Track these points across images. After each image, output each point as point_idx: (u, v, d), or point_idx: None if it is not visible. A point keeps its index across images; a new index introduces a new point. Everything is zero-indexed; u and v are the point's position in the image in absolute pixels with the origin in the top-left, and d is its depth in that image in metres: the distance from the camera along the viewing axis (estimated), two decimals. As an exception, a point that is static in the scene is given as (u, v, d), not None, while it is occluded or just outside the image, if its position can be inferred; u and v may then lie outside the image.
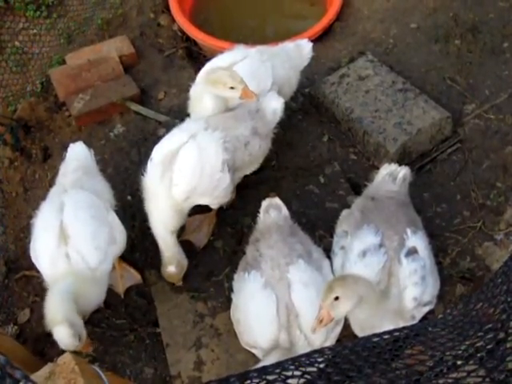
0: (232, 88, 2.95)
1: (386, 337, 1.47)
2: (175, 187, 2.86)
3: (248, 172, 3.24)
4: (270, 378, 1.13)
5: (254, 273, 2.74)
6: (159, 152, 2.94)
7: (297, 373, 1.15)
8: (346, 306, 2.39)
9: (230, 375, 1.13)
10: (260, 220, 3.00)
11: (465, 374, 1.48)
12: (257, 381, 1.11)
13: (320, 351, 1.33)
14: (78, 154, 3.12)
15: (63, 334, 2.42)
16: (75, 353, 3.09)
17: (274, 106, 3.19)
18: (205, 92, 3.08)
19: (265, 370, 1.17)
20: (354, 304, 2.39)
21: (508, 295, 1.62)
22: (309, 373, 1.16)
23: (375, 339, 1.45)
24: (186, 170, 2.86)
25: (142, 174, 2.97)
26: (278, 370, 1.14)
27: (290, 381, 1.15)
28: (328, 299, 2.36)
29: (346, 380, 1.18)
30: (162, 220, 2.95)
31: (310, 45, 3.61)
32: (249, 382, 1.12)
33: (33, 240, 2.77)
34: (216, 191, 2.97)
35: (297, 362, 1.21)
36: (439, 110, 3.65)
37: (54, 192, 2.93)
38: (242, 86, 2.94)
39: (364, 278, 2.50)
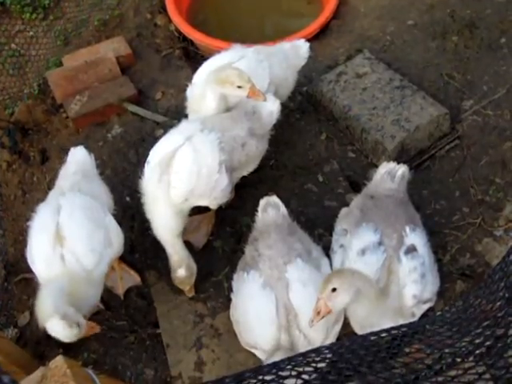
0: (239, 87, 2.95)
1: (383, 335, 1.46)
2: (173, 190, 2.85)
3: (245, 173, 3.23)
4: (267, 378, 1.13)
5: (252, 273, 2.74)
6: (156, 155, 2.92)
7: (293, 373, 1.15)
8: (343, 298, 2.38)
9: (225, 376, 1.13)
10: (258, 219, 3.00)
11: (464, 371, 1.47)
12: (253, 381, 1.11)
13: (317, 350, 1.32)
14: (78, 159, 3.13)
15: (58, 327, 2.39)
16: (74, 357, 3.10)
17: (270, 108, 3.17)
18: (209, 91, 3.07)
19: (260, 371, 1.16)
20: (352, 297, 2.39)
21: (506, 291, 1.62)
22: (305, 373, 1.16)
23: (373, 338, 1.45)
24: (182, 173, 2.85)
25: (140, 177, 2.96)
26: (274, 371, 1.13)
27: (286, 381, 1.15)
28: (325, 290, 2.36)
29: (342, 379, 1.18)
30: (166, 224, 2.92)
31: (307, 45, 3.60)
32: (245, 383, 1.12)
33: (29, 242, 2.76)
34: (214, 192, 2.97)
35: (293, 361, 1.20)
36: (437, 107, 3.64)
37: (51, 195, 2.94)
38: (249, 85, 2.94)
39: (361, 272, 2.50)
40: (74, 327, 2.42)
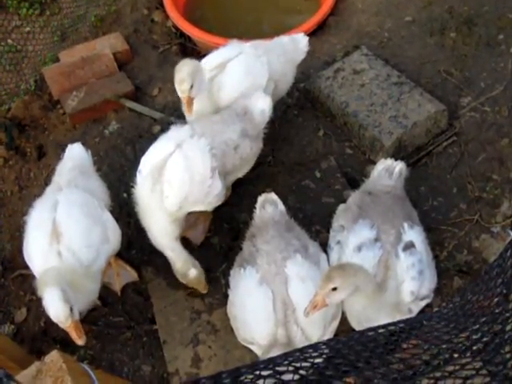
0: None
1: (381, 331, 1.46)
2: (166, 199, 2.81)
3: (240, 175, 3.18)
4: (264, 373, 1.13)
5: (249, 268, 2.73)
6: (147, 164, 2.88)
7: (290, 368, 1.15)
8: (341, 295, 2.40)
9: (221, 372, 1.13)
10: (256, 215, 2.99)
11: (461, 367, 1.47)
12: (250, 376, 1.11)
13: (314, 346, 1.32)
14: (75, 155, 3.11)
15: (55, 297, 2.35)
16: (71, 353, 3.09)
17: (262, 107, 3.11)
18: None
19: (257, 366, 1.16)
20: (350, 293, 2.41)
21: (503, 288, 1.62)
22: (302, 368, 1.15)
23: (370, 333, 1.45)
24: (174, 182, 2.80)
25: (132, 186, 2.92)
26: (270, 366, 1.13)
27: (283, 377, 1.15)
28: (326, 289, 2.35)
29: (340, 375, 1.18)
30: (163, 230, 2.89)
31: (306, 38, 3.55)
32: (241, 378, 1.11)
33: (25, 238, 2.75)
34: (208, 198, 2.92)
35: (290, 357, 1.20)
36: (435, 103, 3.63)
37: (48, 191, 2.92)
38: (180, 94, 2.92)
39: (363, 267, 2.50)
40: (68, 307, 2.36)
